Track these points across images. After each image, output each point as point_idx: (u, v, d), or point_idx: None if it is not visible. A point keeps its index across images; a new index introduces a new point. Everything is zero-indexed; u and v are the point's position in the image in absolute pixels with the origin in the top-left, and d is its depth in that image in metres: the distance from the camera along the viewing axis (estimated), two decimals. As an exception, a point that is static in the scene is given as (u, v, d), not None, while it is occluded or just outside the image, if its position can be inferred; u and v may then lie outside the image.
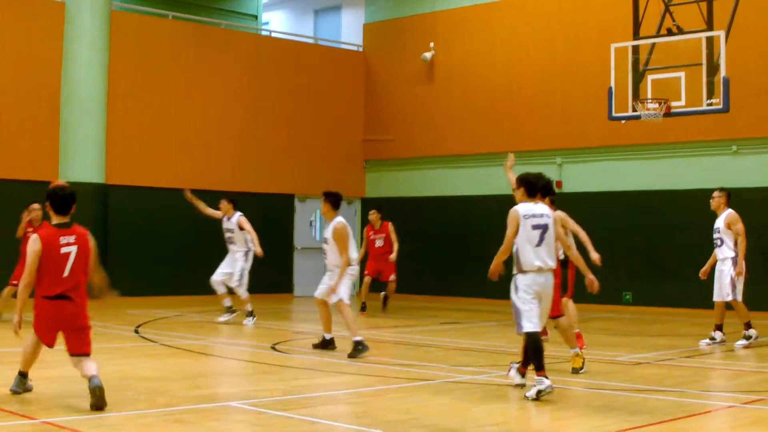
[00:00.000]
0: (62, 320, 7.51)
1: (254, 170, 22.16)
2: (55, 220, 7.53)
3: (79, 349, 7.58)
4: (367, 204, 23.69)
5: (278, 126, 22.64)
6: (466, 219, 21.42)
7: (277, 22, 27.41)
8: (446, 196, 21.81)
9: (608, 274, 19.56)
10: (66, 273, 7.41)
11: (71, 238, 7.46)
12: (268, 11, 27.21)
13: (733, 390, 8.99)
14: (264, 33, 25.36)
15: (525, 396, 8.07)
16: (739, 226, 12.53)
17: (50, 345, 7.75)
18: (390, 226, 18.07)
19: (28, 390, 7.83)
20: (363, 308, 17.80)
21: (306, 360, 10.71)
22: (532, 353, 8.25)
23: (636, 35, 16.20)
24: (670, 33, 15.91)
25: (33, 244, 7.37)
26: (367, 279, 17.94)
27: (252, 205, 21.55)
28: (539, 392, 7.93)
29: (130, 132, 20.36)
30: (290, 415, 7.14)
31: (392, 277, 17.91)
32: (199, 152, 21.35)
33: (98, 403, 7.09)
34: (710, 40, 15.23)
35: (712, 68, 15.17)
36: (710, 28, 15.47)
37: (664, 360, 11.08)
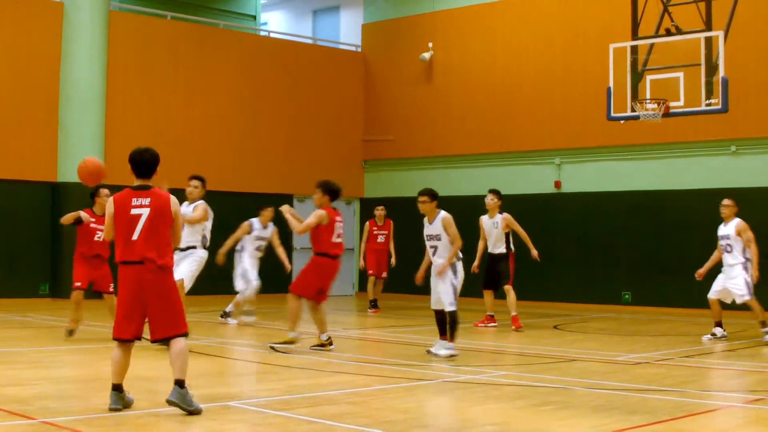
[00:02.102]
0: (140, 292, 6.98)
1: (253, 170, 22.16)
2: (135, 183, 7.30)
3: (164, 331, 7.06)
4: (366, 204, 23.71)
5: (277, 126, 22.65)
6: (465, 219, 21.36)
7: (275, 23, 27.42)
8: (445, 196, 21.76)
9: (608, 274, 19.69)
10: (135, 236, 7.04)
11: (145, 200, 7.14)
12: (266, 11, 27.22)
13: (733, 389, 8.99)
14: (263, 33, 25.37)
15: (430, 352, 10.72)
16: (750, 234, 13.08)
17: (126, 336, 7.03)
18: (391, 225, 18.19)
19: (128, 405, 7.16)
20: (375, 305, 17.88)
21: (306, 360, 10.71)
22: (454, 325, 10.69)
23: (635, 35, 16.21)
24: (668, 33, 15.92)
25: (107, 207, 7.18)
26: (372, 278, 17.99)
27: (251, 205, 21.55)
28: (452, 355, 10.54)
29: (128, 132, 20.34)
30: (290, 415, 7.14)
31: (384, 274, 18.08)
32: (197, 152, 21.33)
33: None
34: (709, 41, 15.24)
35: (711, 68, 15.17)
36: (709, 28, 15.48)
37: (664, 360, 11.09)
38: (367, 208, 23.68)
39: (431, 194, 11.01)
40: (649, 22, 16.17)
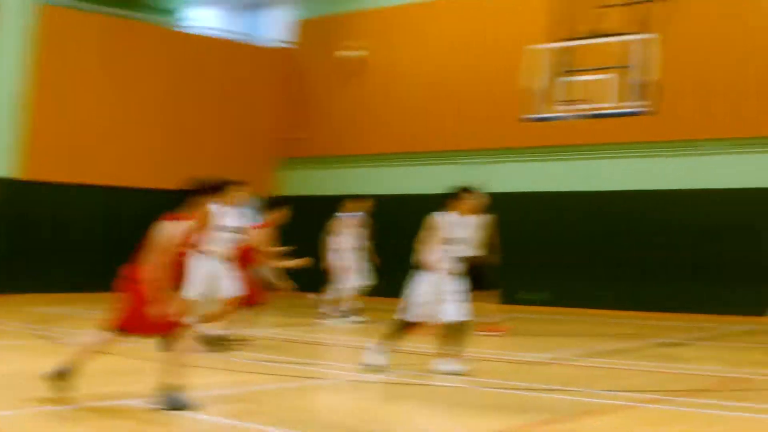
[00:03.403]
0: None
1: (174, 167, 21.64)
2: None
3: None
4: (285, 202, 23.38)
5: (199, 123, 22.33)
6: (388, 218, 21.10)
7: (203, 18, 26.99)
8: (367, 195, 21.48)
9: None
10: None
11: None
12: (194, 7, 26.75)
13: (634, 389, 8.92)
14: (184, 29, 24.86)
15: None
16: None
17: None
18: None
19: None
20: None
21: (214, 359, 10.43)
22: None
23: (558, 38, 16.28)
24: (593, 36, 16.01)
25: None
26: None
27: (176, 203, 21.11)
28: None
29: (54, 128, 19.88)
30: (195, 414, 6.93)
31: None
32: (123, 149, 20.95)
33: None
34: (637, 43, 15.35)
35: (638, 71, 15.27)
36: (638, 30, 15.59)
37: (568, 359, 11.03)
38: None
39: None
40: (578, 23, 16.23)
